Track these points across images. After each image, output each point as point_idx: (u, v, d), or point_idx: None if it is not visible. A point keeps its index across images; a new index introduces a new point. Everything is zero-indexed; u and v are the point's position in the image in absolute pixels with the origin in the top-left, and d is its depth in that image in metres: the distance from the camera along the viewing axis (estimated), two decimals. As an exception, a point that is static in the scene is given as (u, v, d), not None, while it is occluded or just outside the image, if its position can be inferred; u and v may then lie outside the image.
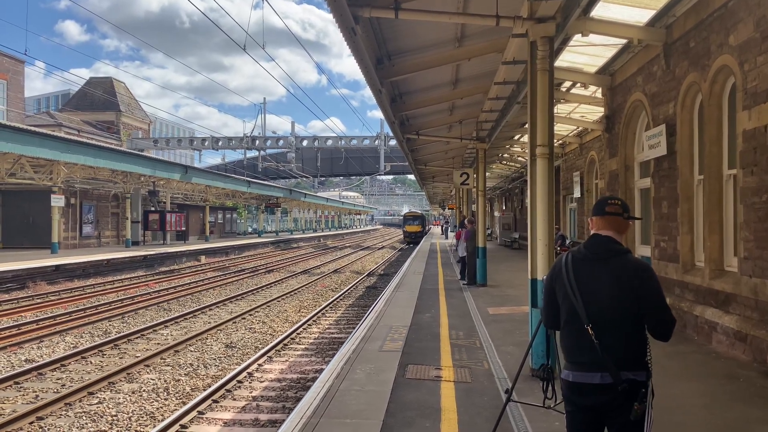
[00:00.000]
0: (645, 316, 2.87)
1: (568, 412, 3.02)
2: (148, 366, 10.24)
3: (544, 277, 3.94)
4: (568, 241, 19.95)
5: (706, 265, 8.34)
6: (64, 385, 9.12)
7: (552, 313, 3.09)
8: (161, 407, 8.17)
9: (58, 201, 26.58)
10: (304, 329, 13.62)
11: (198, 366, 10.39)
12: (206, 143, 47.78)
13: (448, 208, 53.33)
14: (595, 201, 3.22)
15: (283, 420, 5.81)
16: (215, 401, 8.22)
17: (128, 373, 9.69)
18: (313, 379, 8.28)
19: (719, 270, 8.15)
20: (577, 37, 9.21)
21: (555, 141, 12.83)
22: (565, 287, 2.95)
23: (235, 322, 14.51)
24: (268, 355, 11.00)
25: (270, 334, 13.22)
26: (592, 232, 3.10)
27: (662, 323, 2.89)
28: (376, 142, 48.40)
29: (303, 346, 11.94)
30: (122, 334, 12.62)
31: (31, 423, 7.43)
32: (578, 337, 2.89)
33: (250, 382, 9.30)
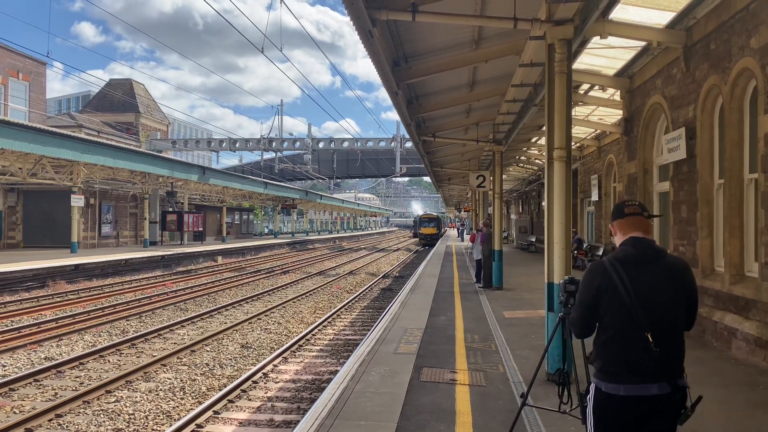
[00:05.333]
0: (686, 314, 2.85)
1: (605, 426, 2.80)
2: (164, 365, 10.33)
3: (561, 281, 3.89)
4: (585, 245, 19.81)
5: (726, 270, 8.23)
6: (82, 383, 9.24)
7: (590, 324, 2.90)
8: (177, 406, 8.24)
9: (77, 201, 26.94)
10: (319, 330, 13.65)
11: (214, 366, 10.46)
12: (224, 144, 48.11)
13: (464, 211, 53.23)
14: (613, 206, 3.13)
15: (298, 421, 5.83)
16: (231, 401, 8.27)
17: (145, 372, 9.78)
18: (328, 381, 8.30)
19: (739, 275, 8.04)
20: (596, 39, 9.13)
21: (573, 144, 12.78)
22: (619, 295, 2.73)
23: (250, 323, 14.58)
24: (284, 355, 11.05)
25: (285, 335, 13.27)
26: (617, 237, 2.99)
27: (694, 319, 2.90)
28: (392, 143, 48.37)
29: (318, 348, 11.97)
30: (140, 333, 12.74)
31: (50, 420, 7.53)
32: (633, 347, 2.71)
33: (265, 383, 9.34)
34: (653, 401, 2.69)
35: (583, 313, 2.91)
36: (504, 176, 23.85)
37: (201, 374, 9.91)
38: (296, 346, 11.88)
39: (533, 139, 19.82)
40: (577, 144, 19.24)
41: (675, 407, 2.73)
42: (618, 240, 2.99)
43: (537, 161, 25.00)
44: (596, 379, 2.83)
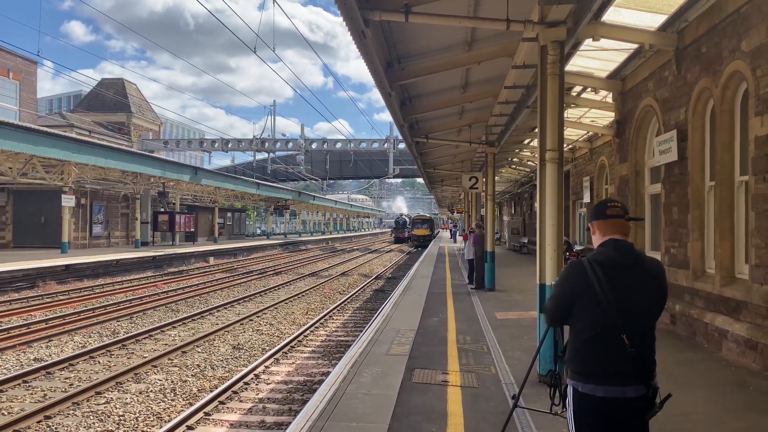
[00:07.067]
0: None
1: (586, 427, 2.82)
2: (155, 366, 10.27)
3: (553, 282, 3.90)
4: (579, 247, 19.86)
5: (717, 272, 8.27)
6: (72, 384, 9.17)
7: (563, 316, 2.92)
8: (168, 408, 8.19)
9: (68, 201, 26.77)
10: (311, 332, 13.61)
11: (205, 367, 10.41)
12: (216, 145, 47.97)
13: (457, 212, 53.31)
14: (595, 205, 3.10)
15: (289, 422, 5.80)
16: (222, 402, 8.23)
17: (136, 374, 9.72)
18: (320, 382, 8.27)
19: (730, 277, 8.08)
20: (588, 41, 9.17)
21: (565, 146, 12.79)
22: (597, 298, 2.74)
23: (242, 324, 14.53)
24: (275, 357, 11.01)
25: (277, 336, 13.23)
26: (596, 236, 2.98)
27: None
28: (385, 145, 48.41)
29: (310, 349, 11.94)
30: (130, 334, 12.67)
31: (38, 422, 7.47)
32: (610, 350, 2.73)
33: (256, 384, 9.30)
34: (630, 403, 2.73)
35: (559, 306, 2.94)
36: (496, 178, 23.86)
37: (192, 375, 9.86)
38: (288, 347, 11.85)
39: (526, 141, 19.86)
40: (570, 146, 19.28)
41: (649, 406, 2.77)
42: (596, 240, 2.99)
43: (529, 163, 25.06)
44: (573, 381, 2.86)
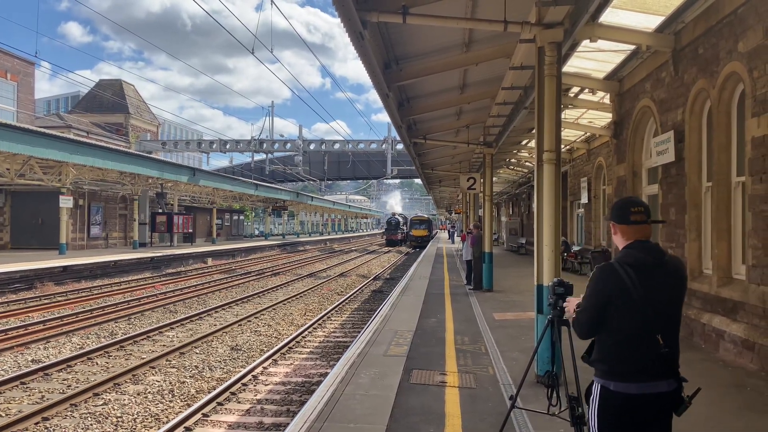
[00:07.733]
0: None
1: (611, 425, 2.82)
2: (153, 368, 10.26)
3: (551, 283, 3.90)
4: (577, 248, 19.88)
5: (714, 272, 8.29)
6: (69, 385, 9.15)
7: (598, 325, 2.88)
8: (166, 409, 8.18)
9: (66, 202, 26.74)
10: (309, 333, 13.61)
11: (203, 368, 10.41)
12: (214, 146, 47.97)
13: (455, 213, 53.29)
14: (616, 203, 3.05)
15: (287, 424, 5.80)
16: (220, 404, 8.22)
17: (134, 375, 9.71)
18: (318, 383, 8.27)
19: (727, 278, 8.10)
20: (586, 42, 9.19)
21: (562, 146, 12.86)
22: (632, 300, 2.76)
23: (240, 325, 14.52)
24: (273, 358, 11.00)
25: (275, 337, 13.22)
26: (618, 238, 2.96)
27: None
28: (384, 145, 48.43)
29: (308, 350, 11.93)
30: (128, 335, 12.65)
31: (36, 423, 7.45)
32: (645, 348, 2.77)
33: (254, 385, 9.29)
34: (664, 397, 2.79)
35: (593, 315, 2.90)
36: (494, 178, 23.91)
37: (190, 376, 9.85)
38: (286, 348, 11.84)
39: (523, 142, 19.89)
40: (567, 147, 19.32)
41: (678, 401, 2.82)
42: (620, 241, 2.98)
43: (527, 164, 25.09)
44: (603, 380, 2.85)
